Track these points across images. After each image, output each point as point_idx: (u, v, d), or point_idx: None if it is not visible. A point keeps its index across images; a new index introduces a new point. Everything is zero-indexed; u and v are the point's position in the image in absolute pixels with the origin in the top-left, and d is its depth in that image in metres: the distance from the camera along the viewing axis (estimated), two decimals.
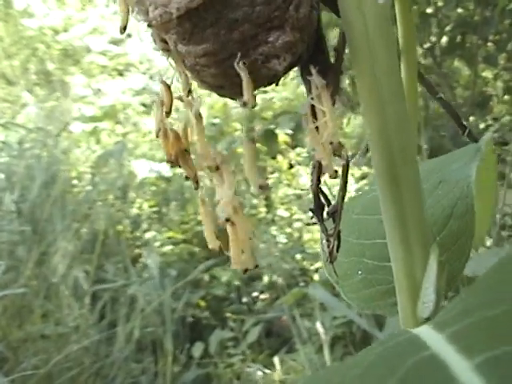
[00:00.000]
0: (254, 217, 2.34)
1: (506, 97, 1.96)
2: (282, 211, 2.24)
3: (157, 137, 0.18)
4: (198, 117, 0.17)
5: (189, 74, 0.18)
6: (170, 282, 1.81)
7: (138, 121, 2.64)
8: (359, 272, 0.26)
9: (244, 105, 0.16)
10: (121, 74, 3.02)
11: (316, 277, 1.82)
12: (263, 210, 2.31)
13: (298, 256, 1.97)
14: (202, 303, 1.90)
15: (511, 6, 1.68)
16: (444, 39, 1.84)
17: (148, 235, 2.09)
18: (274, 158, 2.46)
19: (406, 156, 0.19)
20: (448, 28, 1.81)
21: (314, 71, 0.17)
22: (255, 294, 1.94)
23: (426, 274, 0.19)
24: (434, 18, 1.79)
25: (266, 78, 0.18)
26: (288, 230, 2.14)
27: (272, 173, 2.40)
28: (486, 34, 1.75)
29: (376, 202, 0.22)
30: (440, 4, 1.74)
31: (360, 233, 0.28)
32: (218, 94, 0.19)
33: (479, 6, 1.70)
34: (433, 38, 1.83)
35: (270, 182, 2.31)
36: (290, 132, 2.49)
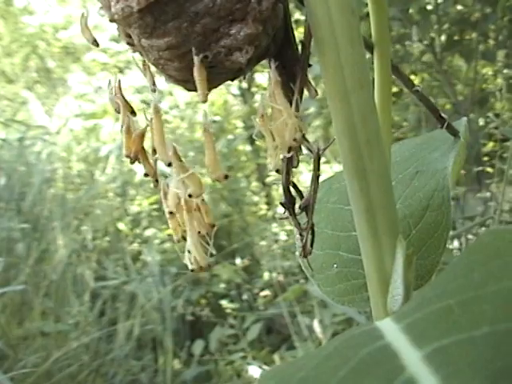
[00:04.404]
0: (255, 214, 2.34)
1: (506, 94, 1.95)
2: (282, 208, 2.24)
3: (121, 132, 0.18)
4: (157, 111, 0.17)
5: (154, 69, 0.18)
6: (170, 279, 1.81)
7: (138, 118, 2.64)
8: (335, 265, 0.25)
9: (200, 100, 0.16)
10: (121, 72, 3.02)
11: None
12: (264, 207, 2.31)
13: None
14: (203, 300, 1.90)
15: (510, 3, 1.68)
16: (443, 36, 1.83)
17: (148, 232, 2.09)
18: None
19: (371, 148, 0.19)
20: (447, 25, 1.80)
21: (272, 66, 0.17)
22: (255, 291, 1.94)
23: (393, 267, 0.19)
24: (433, 14, 1.78)
25: (230, 71, 0.18)
26: (289, 227, 2.14)
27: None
28: (486, 30, 1.74)
29: None
30: (439, 0, 1.73)
31: (336, 224, 0.27)
32: (186, 89, 0.18)
33: (479, 3, 1.69)
34: (432, 35, 1.82)
35: (270, 179, 2.31)
36: None
